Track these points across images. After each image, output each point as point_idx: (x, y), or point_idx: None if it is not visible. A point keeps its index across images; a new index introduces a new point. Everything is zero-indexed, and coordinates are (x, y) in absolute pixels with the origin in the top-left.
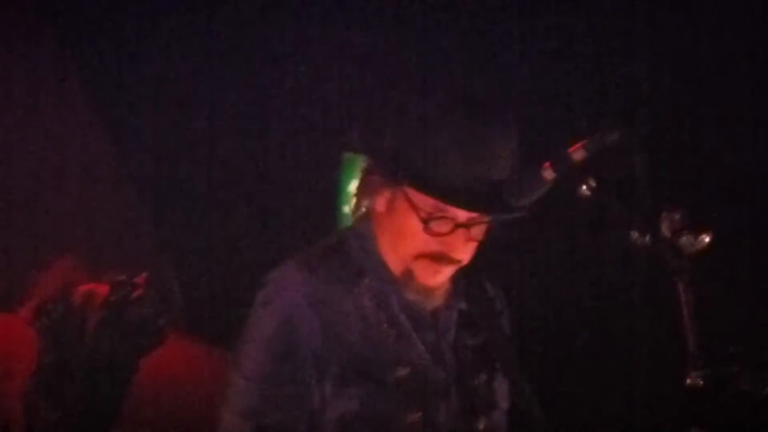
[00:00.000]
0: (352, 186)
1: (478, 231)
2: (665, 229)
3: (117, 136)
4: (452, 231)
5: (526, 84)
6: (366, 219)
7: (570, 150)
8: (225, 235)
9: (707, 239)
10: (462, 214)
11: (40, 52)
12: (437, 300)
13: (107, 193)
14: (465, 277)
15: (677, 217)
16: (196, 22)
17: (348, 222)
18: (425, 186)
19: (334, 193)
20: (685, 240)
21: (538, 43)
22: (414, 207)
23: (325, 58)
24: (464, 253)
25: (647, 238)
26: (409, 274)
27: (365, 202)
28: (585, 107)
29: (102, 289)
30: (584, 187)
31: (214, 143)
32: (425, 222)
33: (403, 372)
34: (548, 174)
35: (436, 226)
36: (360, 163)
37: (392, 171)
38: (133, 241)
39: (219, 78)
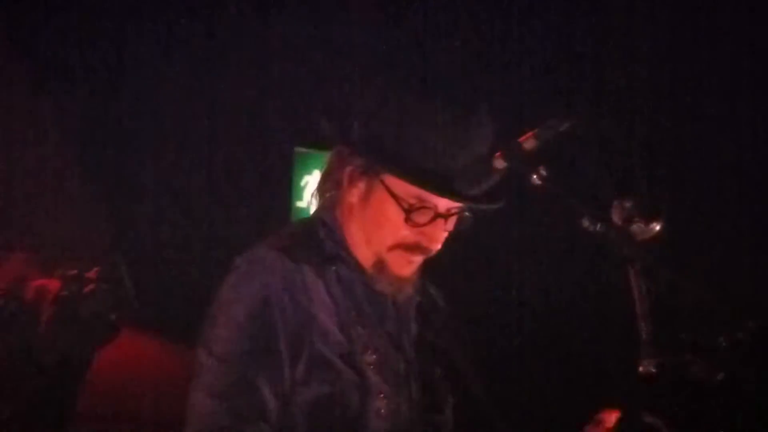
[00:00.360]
0: (306, 180)
1: (452, 221)
2: (617, 217)
3: (72, 130)
4: (432, 221)
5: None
6: (330, 209)
7: (520, 139)
8: (178, 229)
9: (658, 227)
10: (442, 204)
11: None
12: (407, 291)
13: (60, 188)
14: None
15: (628, 204)
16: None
17: (307, 213)
18: (412, 175)
19: (284, 187)
20: (636, 227)
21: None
22: (394, 197)
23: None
24: (440, 243)
25: (598, 225)
26: (380, 265)
27: (331, 193)
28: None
29: (54, 284)
30: (535, 176)
31: (166, 137)
32: (407, 212)
33: (371, 358)
34: (499, 163)
35: (417, 217)
36: (326, 155)
37: (375, 160)
38: (86, 236)
39: (167, 74)
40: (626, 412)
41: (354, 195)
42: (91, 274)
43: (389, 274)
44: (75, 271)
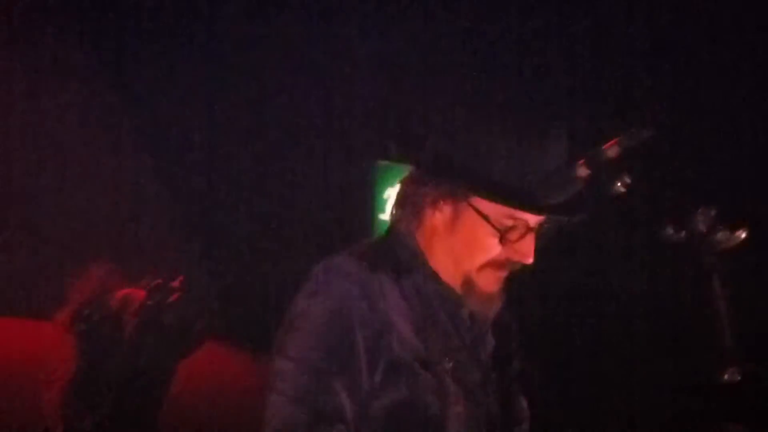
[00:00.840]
0: (389, 193)
1: (538, 233)
2: (700, 225)
3: (154, 145)
4: (524, 236)
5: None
6: (409, 233)
7: (605, 147)
8: (263, 242)
9: (743, 235)
10: (533, 219)
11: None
12: (496, 307)
13: (144, 199)
14: None
15: (712, 213)
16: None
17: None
18: (504, 196)
19: (365, 200)
20: (720, 235)
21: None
22: (486, 219)
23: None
24: (533, 256)
25: (682, 233)
26: (469, 285)
27: (408, 217)
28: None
29: (139, 294)
30: (618, 183)
31: (252, 148)
32: (502, 233)
33: (448, 365)
34: (582, 171)
35: (512, 235)
36: (402, 174)
37: (463, 185)
38: (169, 246)
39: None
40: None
41: (438, 219)
42: (176, 283)
43: (479, 293)
44: (159, 281)
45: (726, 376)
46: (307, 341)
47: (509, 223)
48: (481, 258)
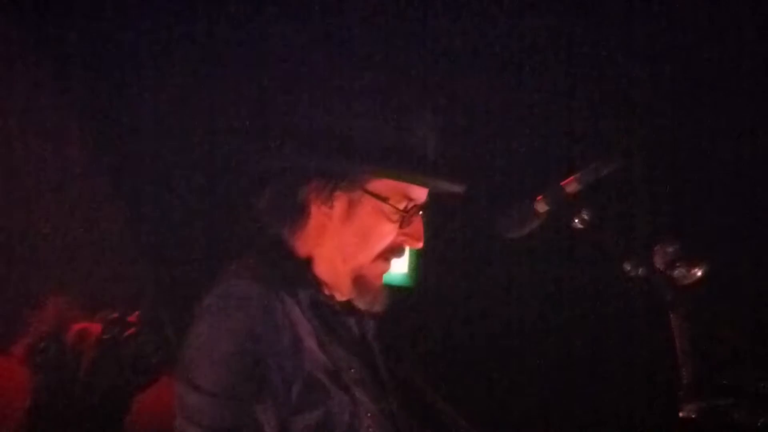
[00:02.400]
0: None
1: (424, 215)
2: (659, 262)
3: (113, 172)
4: (417, 214)
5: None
6: (289, 236)
7: (563, 183)
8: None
9: (700, 272)
10: (422, 195)
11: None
12: (384, 303)
13: (101, 231)
14: None
15: (671, 249)
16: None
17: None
18: (403, 168)
19: None
20: (678, 272)
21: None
22: (385, 201)
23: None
24: (422, 243)
25: (641, 270)
26: (360, 281)
27: (287, 220)
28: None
29: (95, 328)
30: (577, 220)
31: (209, 186)
32: (404, 212)
33: (354, 375)
34: (541, 207)
35: (410, 215)
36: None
37: (361, 168)
38: (127, 280)
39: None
40: None
41: (327, 215)
42: (132, 317)
43: (371, 288)
44: (116, 315)
45: (682, 414)
46: (218, 373)
47: (405, 203)
48: (378, 246)
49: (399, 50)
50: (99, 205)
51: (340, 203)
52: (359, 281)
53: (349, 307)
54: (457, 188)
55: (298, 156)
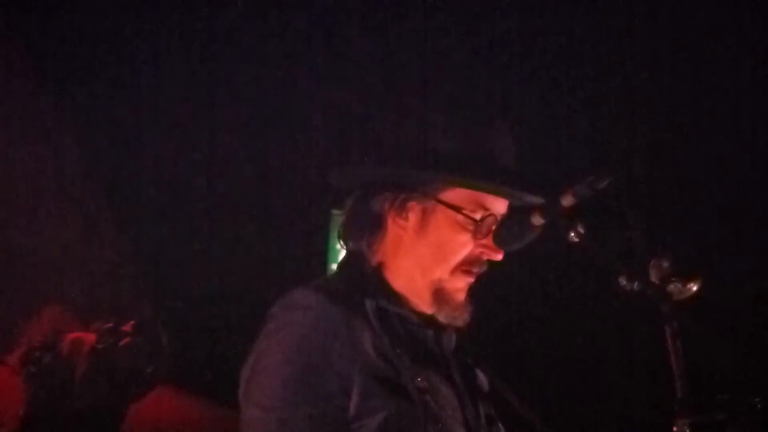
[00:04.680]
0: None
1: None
2: (654, 276)
3: (109, 188)
4: (494, 225)
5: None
6: (366, 251)
7: (559, 196)
8: (215, 289)
9: (695, 287)
10: (500, 207)
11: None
12: (465, 317)
13: (96, 242)
14: None
15: (666, 264)
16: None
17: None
18: (477, 177)
19: (321, 250)
20: (673, 287)
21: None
22: (460, 211)
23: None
24: (501, 256)
25: (636, 284)
26: (440, 294)
27: (364, 235)
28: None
29: (90, 337)
30: (573, 233)
31: (206, 198)
32: (478, 223)
33: (422, 383)
34: (537, 220)
35: (484, 227)
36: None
37: (433, 176)
38: (122, 290)
39: (210, 135)
40: None
41: (403, 227)
42: (127, 327)
43: (451, 301)
44: (110, 324)
45: (676, 429)
46: (276, 386)
47: (481, 213)
48: (455, 258)
49: (473, 59)
50: (94, 214)
51: (414, 214)
52: (439, 294)
53: (430, 319)
54: (533, 198)
55: (371, 168)
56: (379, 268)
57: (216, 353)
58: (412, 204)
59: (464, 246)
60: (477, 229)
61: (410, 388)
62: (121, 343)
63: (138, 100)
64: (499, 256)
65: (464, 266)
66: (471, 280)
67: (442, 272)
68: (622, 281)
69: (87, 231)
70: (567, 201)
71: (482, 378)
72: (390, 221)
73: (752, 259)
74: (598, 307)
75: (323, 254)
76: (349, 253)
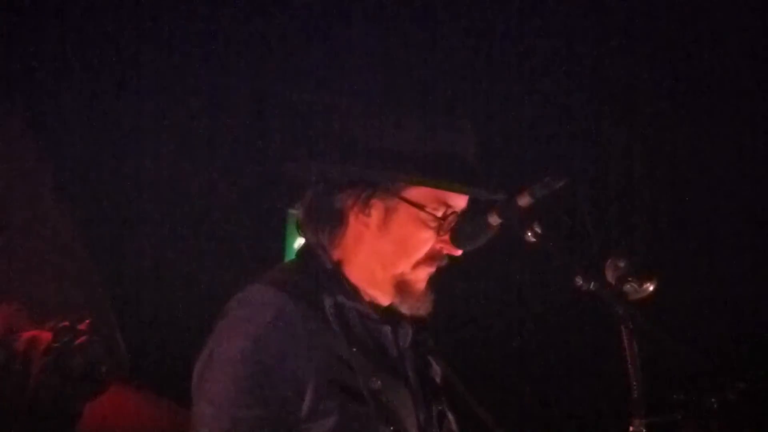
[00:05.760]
0: (298, 242)
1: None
2: (610, 276)
3: (62, 182)
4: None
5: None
6: (325, 245)
7: (515, 196)
8: (169, 287)
9: (651, 287)
10: (461, 203)
11: None
12: (428, 307)
13: (51, 238)
14: None
15: (622, 264)
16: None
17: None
18: (440, 176)
19: (278, 248)
20: (629, 287)
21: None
22: (422, 209)
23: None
24: (460, 251)
25: (591, 284)
26: (402, 287)
27: (324, 229)
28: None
29: (45, 336)
30: (529, 233)
31: (158, 195)
32: (441, 220)
33: (375, 385)
34: (494, 220)
35: (446, 225)
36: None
37: (396, 175)
38: (77, 288)
39: (165, 135)
40: None
41: (366, 223)
42: (83, 326)
43: (414, 293)
44: (66, 323)
45: (632, 429)
46: (226, 382)
47: (443, 210)
48: (417, 254)
49: (435, 56)
50: (48, 210)
51: (377, 211)
52: (401, 286)
53: (387, 313)
54: (495, 195)
55: (334, 164)
56: (339, 263)
57: (171, 352)
58: (375, 201)
59: (427, 242)
60: (440, 226)
61: (364, 390)
62: (77, 342)
63: (93, 95)
64: (458, 252)
65: (426, 261)
66: (431, 271)
67: (404, 267)
68: (579, 281)
69: (43, 230)
70: (523, 201)
71: (437, 372)
72: (352, 217)
73: (711, 255)
74: (555, 306)
75: (279, 253)
76: (307, 244)
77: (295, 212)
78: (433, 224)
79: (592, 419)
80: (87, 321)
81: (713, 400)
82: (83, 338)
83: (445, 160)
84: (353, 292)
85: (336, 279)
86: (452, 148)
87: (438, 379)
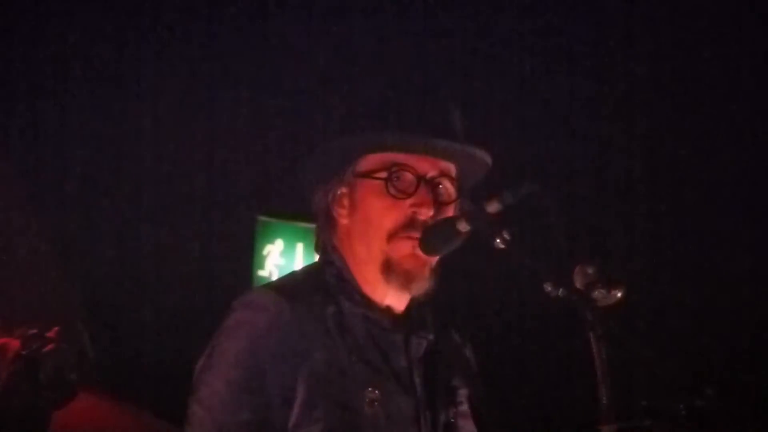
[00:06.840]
0: (268, 250)
1: (443, 191)
2: (579, 282)
3: (32, 189)
4: (418, 186)
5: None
6: (330, 247)
7: (484, 203)
8: (138, 294)
9: (619, 294)
10: (420, 166)
11: None
12: (420, 285)
13: (20, 247)
14: (433, 310)
15: (590, 270)
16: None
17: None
18: (385, 137)
19: (247, 256)
20: (597, 294)
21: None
22: (370, 176)
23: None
24: (432, 209)
25: (560, 290)
26: (388, 264)
27: (327, 227)
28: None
29: (14, 343)
30: (498, 240)
31: (129, 203)
32: (388, 180)
33: (372, 395)
34: (463, 226)
35: (401, 184)
36: (289, 224)
37: (349, 144)
38: (46, 296)
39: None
40: None
41: (342, 214)
42: (52, 333)
43: (399, 271)
44: (35, 331)
45: None
46: (217, 385)
47: (395, 169)
48: (385, 224)
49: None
50: (17, 219)
51: (346, 198)
52: (386, 265)
53: (402, 322)
54: (444, 144)
55: (308, 168)
56: (345, 265)
57: (140, 360)
58: (342, 190)
59: (390, 209)
60: (391, 185)
61: (358, 399)
62: (46, 350)
63: (56, 98)
64: (428, 213)
65: (401, 232)
66: (413, 243)
67: (379, 242)
68: (548, 287)
69: (12, 239)
70: (492, 208)
71: (456, 383)
72: (335, 214)
73: (680, 262)
74: (523, 312)
75: (249, 260)
76: (323, 250)
77: (264, 218)
78: (392, 189)
79: (561, 425)
80: (56, 328)
81: (681, 406)
82: (51, 346)
83: (389, 120)
84: (363, 298)
85: (348, 284)
86: (404, 109)
87: (454, 390)
